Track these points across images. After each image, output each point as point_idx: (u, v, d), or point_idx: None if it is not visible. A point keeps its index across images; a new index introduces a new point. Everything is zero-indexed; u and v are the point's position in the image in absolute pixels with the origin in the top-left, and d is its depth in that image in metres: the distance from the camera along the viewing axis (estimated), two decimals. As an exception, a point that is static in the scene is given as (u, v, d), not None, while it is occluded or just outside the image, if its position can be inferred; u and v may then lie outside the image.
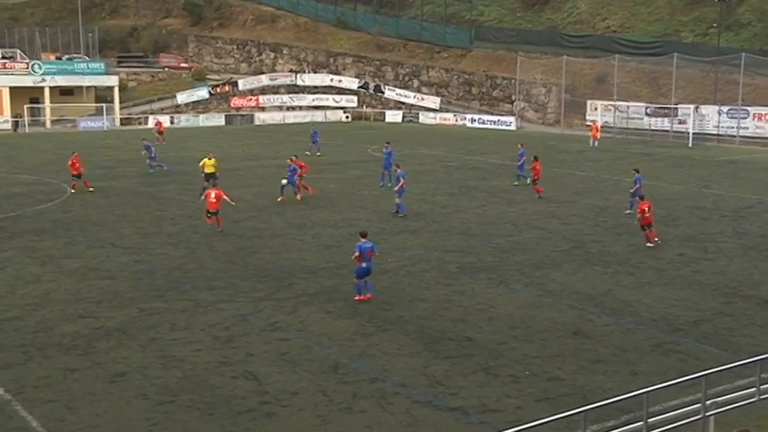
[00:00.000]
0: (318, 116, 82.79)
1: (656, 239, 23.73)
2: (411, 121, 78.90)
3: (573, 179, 38.75)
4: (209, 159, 33.49)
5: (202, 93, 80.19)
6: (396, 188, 28.70)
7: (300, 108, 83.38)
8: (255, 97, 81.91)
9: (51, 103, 72.76)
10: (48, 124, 72.25)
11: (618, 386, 13.18)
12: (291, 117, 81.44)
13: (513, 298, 18.52)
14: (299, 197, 31.57)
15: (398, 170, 29.28)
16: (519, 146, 37.23)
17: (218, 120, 78.33)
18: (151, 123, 74.32)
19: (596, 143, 55.38)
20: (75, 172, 34.03)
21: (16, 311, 17.16)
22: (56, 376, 13.55)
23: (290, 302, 18.03)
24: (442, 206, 30.95)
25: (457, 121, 75.20)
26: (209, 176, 32.75)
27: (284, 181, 31.91)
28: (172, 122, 75.77)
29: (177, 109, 79.12)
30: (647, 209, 23.58)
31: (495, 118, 72.99)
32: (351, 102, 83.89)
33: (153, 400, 12.61)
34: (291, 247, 23.50)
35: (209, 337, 15.61)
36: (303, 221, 27.56)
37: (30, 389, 13.00)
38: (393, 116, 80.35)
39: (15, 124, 70.55)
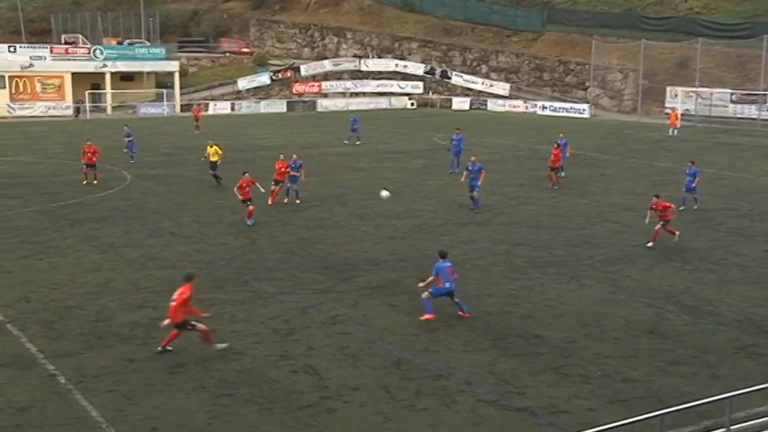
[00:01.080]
0: (383, 103, 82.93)
1: (677, 234, 22.77)
2: (479, 108, 78.38)
3: (650, 170, 37.98)
4: (211, 147, 33.38)
5: (264, 78, 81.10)
6: (479, 182, 27.61)
7: (364, 94, 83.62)
8: (318, 83, 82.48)
9: (112, 89, 74.59)
10: (109, 110, 74.07)
11: (697, 390, 12.90)
12: (355, 103, 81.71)
13: (585, 294, 18.28)
14: (297, 201, 28.94)
15: (476, 162, 27.87)
16: (560, 135, 36.21)
17: (279, 106, 79.14)
18: (211, 109, 75.60)
19: (676, 132, 54.15)
20: (87, 161, 32.94)
21: (76, 300, 17.67)
22: (115, 366, 13.91)
23: (352, 295, 18.13)
24: (511, 197, 30.70)
25: (527, 108, 74.44)
26: (214, 165, 32.97)
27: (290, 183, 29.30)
28: (233, 109, 76.93)
29: (238, 95, 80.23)
30: (661, 208, 22.51)
31: (568, 105, 72.00)
32: (416, 88, 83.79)
33: (212, 393, 12.84)
34: (354, 239, 23.63)
35: (268, 330, 15.81)
36: (366, 212, 27.67)
37: (90, 378, 13.38)
38: (460, 103, 79.94)
39: (77, 110, 72.52)
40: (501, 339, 15.32)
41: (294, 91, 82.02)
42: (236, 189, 25.97)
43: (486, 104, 78.26)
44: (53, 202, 29.35)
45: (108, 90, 74.59)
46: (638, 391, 13.01)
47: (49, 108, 71.90)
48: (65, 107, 72.77)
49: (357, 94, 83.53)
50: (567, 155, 34.61)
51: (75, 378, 13.37)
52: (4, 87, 71.06)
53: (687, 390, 12.98)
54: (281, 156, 29.31)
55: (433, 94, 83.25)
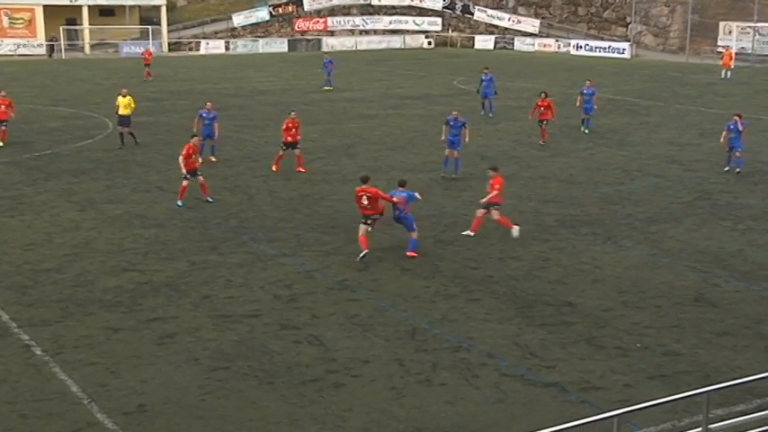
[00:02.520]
0: (396, 41, 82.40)
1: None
2: (505, 47, 77.75)
3: (699, 117, 37.68)
4: (124, 98, 30.10)
5: (262, 14, 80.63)
6: (459, 142, 25.50)
7: (375, 32, 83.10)
8: (323, 19, 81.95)
9: (90, 24, 74.25)
10: (87, 49, 73.91)
11: (749, 364, 12.90)
12: (365, 42, 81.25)
13: (623, 257, 18.25)
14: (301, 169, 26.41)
15: (459, 117, 25.80)
16: (586, 83, 34.39)
17: (279, 45, 78.77)
18: (203, 49, 75.27)
19: (729, 74, 53.60)
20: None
21: (54, 262, 17.77)
22: (97, 336, 14.02)
23: (361, 257, 18.15)
24: (540, 149, 30.55)
25: (559, 47, 73.77)
26: (125, 120, 30.05)
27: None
28: (227, 48, 76.58)
29: (233, 33, 79.87)
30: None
31: (606, 44, 71.31)
32: (434, 25, 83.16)
33: (205, 366, 12.94)
34: (363, 194, 23.58)
35: (268, 296, 15.89)
36: (377, 164, 27.61)
37: (69, 349, 13.49)
38: (483, 42, 79.30)
39: (50, 49, 72.35)
40: (528, 307, 15.35)
41: (296, 28, 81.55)
42: (181, 159, 22.28)
43: (512, 43, 77.59)
44: (25, 152, 29.41)
45: (85, 26, 74.29)
46: (682, 365, 13.02)
47: (19, 46, 71.72)
48: (36, 45, 72.57)
49: (367, 32, 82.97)
50: (595, 106, 33.67)
51: (52, 349, 13.49)
52: (-34, 22, 70.87)
53: (737, 364, 12.99)
54: (292, 113, 26.49)
55: (453, 31, 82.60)
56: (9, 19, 71.65)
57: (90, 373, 12.67)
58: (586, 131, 33.29)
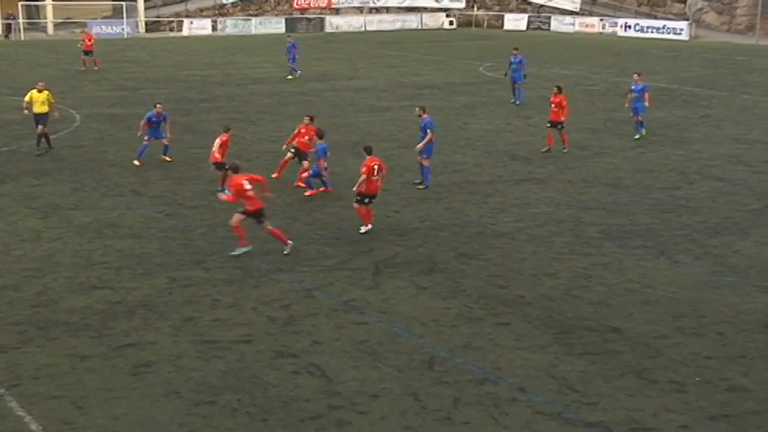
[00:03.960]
0: (412, 21, 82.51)
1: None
2: (539, 28, 77.82)
3: (769, 110, 37.61)
4: (40, 93, 29.05)
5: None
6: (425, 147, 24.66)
7: (387, 10, 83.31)
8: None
9: (54, 0, 74.62)
10: (50, 29, 74.31)
11: (827, 402, 12.85)
12: (375, 22, 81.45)
13: (679, 275, 18.21)
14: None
15: (425, 117, 24.69)
16: (634, 77, 32.38)
17: (275, 25, 79.08)
18: (186, 30, 75.53)
19: (805, 59, 53.49)
20: None
21: (11, 278, 17.83)
22: (62, 365, 14.05)
23: (371, 273, 18.20)
24: (581, 146, 30.54)
25: (604, 27, 73.78)
26: (40, 118, 28.94)
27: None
28: (214, 29, 76.86)
29: (221, 10, 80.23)
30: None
31: (660, 24, 71.29)
32: (457, 2, 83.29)
33: (187, 400, 12.97)
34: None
35: (262, 319, 15.92)
36: (389, 164, 27.50)
37: (28, 380, 13.52)
38: (514, 21, 79.38)
39: (7, 28, 72.80)
40: (566, 333, 15.33)
41: (295, 5, 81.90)
42: (215, 151, 24.18)
43: (548, 23, 77.65)
44: (-22, 150, 29.57)
45: (48, 1, 74.65)
46: (750, 403, 12.98)
47: (-30, 26, 72.11)
48: (-8, 24, 72.94)
49: (378, 10, 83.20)
50: (646, 103, 31.60)
51: (8, 380, 13.51)
52: None
53: (813, 401, 12.94)
54: (306, 119, 25.53)
55: (478, 9, 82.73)
56: (-43, -7, 72.19)
57: (52, 408, 12.70)
58: (637, 137, 31.85)
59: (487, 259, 18.99)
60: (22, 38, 71.30)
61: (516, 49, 40.17)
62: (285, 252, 19.26)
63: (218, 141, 24.29)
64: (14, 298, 16.76)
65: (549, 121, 29.74)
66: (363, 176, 20.40)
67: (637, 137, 31.79)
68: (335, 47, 67.37)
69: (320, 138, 23.50)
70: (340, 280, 17.84)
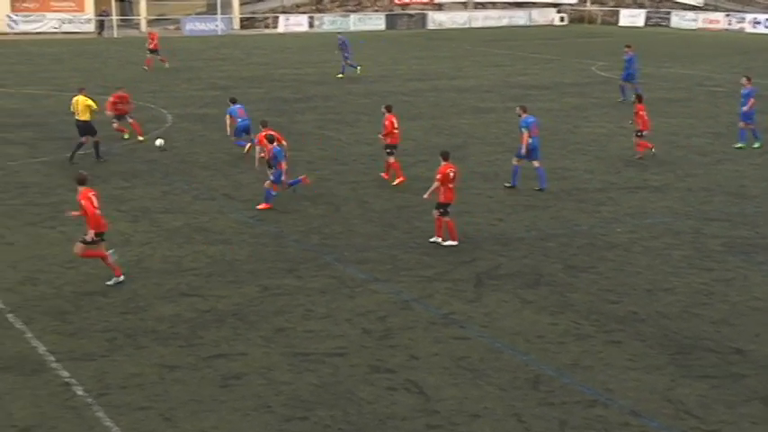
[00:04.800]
0: (520, 17, 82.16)
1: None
2: (658, 24, 76.75)
3: None
4: (84, 98, 28.46)
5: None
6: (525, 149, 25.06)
7: (494, 5, 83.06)
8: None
9: (148, -4, 76.12)
10: (142, 26, 75.90)
11: None
12: (481, 18, 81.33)
13: (809, 293, 17.79)
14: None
15: (525, 114, 25.38)
16: (743, 80, 31.51)
17: (375, 22, 79.48)
18: (282, 26, 76.35)
19: None
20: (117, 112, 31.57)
21: (99, 284, 18.22)
22: (150, 375, 14.32)
23: (472, 285, 18.15)
24: (702, 152, 30.03)
25: (730, 24, 72.45)
26: (85, 127, 28.42)
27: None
28: (311, 26, 77.55)
29: (318, 6, 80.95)
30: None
31: (792, 19, 69.63)
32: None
33: (278, 415, 13.09)
34: (476, 207, 23.58)
35: (356, 331, 15.98)
36: (493, 170, 27.55)
37: (116, 390, 13.81)
38: (630, 17, 78.45)
39: (100, 25, 74.50)
40: (683, 353, 15.08)
41: (397, 0, 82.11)
42: (257, 147, 25.22)
43: (668, 19, 76.51)
44: (68, 150, 30.24)
45: (142, -2, 76.13)
46: None
47: (64, 22, 73.98)
48: (84, 21, 74.75)
49: (484, 5, 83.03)
50: (744, 108, 30.63)
51: (96, 389, 13.82)
52: (3, -9, 73.33)
53: None
54: (384, 109, 26.06)
55: (592, 4, 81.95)
56: (53, -10, 74.10)
57: (140, 419, 12.94)
58: (756, 145, 30.79)
59: (598, 272, 18.77)
60: (115, 35, 72.95)
61: (628, 46, 40.20)
62: (108, 283, 18.04)
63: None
64: (103, 304, 17.14)
65: (637, 130, 29.35)
66: (437, 183, 20.33)
67: (756, 145, 30.86)
68: (438, 44, 67.42)
69: (270, 142, 23.71)
70: (439, 291, 17.82)
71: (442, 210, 20.35)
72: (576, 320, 16.42)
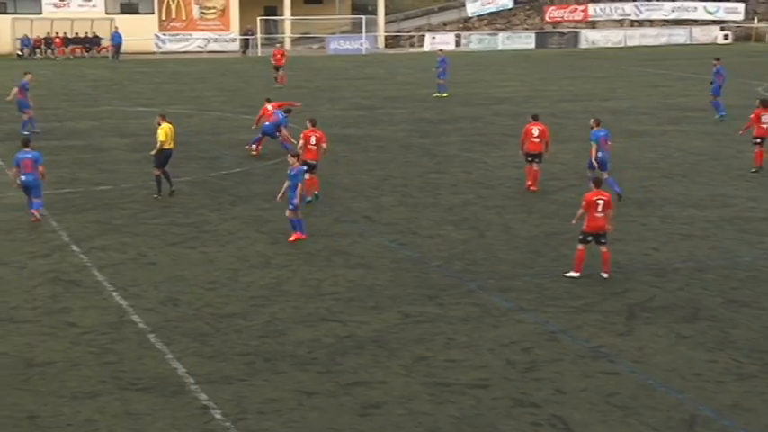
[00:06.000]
0: (679, 35, 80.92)
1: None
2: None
3: None
4: (168, 124, 27.36)
5: (504, 0, 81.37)
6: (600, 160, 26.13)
7: (651, 23, 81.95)
8: (583, 7, 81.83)
9: (293, 14, 77.52)
10: (287, 44, 77.26)
11: None
12: (637, 37, 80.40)
13: None
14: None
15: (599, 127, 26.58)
16: None
17: (525, 41, 79.36)
18: (428, 45, 76.86)
19: None
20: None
21: (239, 306, 18.61)
22: (288, 400, 14.52)
23: (623, 318, 17.90)
24: None
25: None
26: (162, 157, 27.05)
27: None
28: (458, 44, 77.84)
29: (466, 24, 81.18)
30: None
31: None
32: (733, 13, 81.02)
33: (418, 446, 13.12)
34: (629, 235, 23.26)
35: (500, 362, 15.92)
36: (647, 196, 27.14)
37: (254, 415, 14.06)
38: (800, 35, 76.25)
39: (245, 44, 76.13)
40: None
41: (547, 18, 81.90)
42: (300, 145, 26.41)
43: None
44: (211, 170, 30.99)
45: (287, 16, 77.56)
46: None
47: (209, 41, 75.86)
48: (229, 39, 76.51)
49: (641, 23, 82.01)
50: None
51: (234, 413, 14.10)
52: (153, 12, 75.61)
53: None
54: (535, 119, 27.59)
55: (759, 21, 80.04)
56: (200, 8, 76.05)
57: (277, 445, 13.14)
58: None
59: (762, 308, 18.27)
60: (259, 53, 74.39)
61: (717, 59, 40.90)
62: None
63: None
64: (242, 327, 17.48)
65: (754, 138, 30.26)
66: (581, 210, 20.08)
67: None
68: (590, 64, 66.85)
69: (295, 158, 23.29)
70: (588, 323, 17.63)
71: (582, 237, 20.07)
72: (737, 358, 16.02)
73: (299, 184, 22.38)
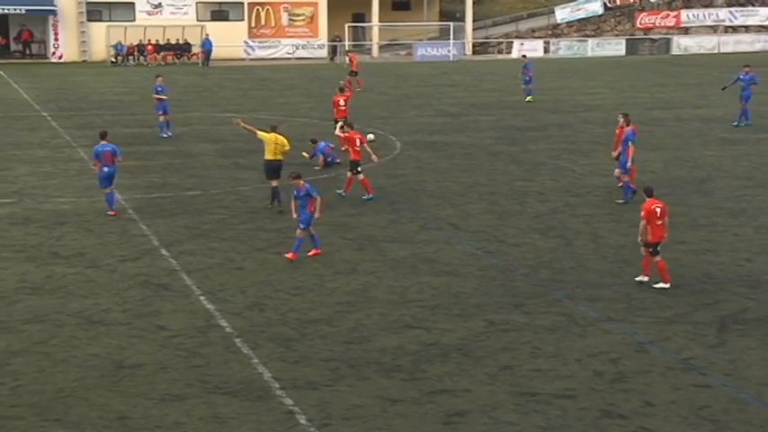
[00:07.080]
0: (773, 42, 79.32)
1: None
2: None
3: None
4: (276, 134, 26.97)
5: (594, 6, 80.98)
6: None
7: (746, 29, 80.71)
8: (675, 12, 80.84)
9: (381, 20, 77.75)
10: (374, 51, 77.56)
11: None
12: (731, 43, 79.19)
13: None
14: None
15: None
16: None
17: (615, 47, 78.63)
18: (516, 52, 76.59)
19: None
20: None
21: (324, 312, 18.72)
22: (372, 407, 14.57)
23: (715, 330, 17.66)
24: None
25: None
26: (273, 169, 26.83)
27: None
28: (546, 51, 77.47)
29: (555, 30, 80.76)
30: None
31: None
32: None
33: (502, 456, 13.07)
34: (721, 245, 22.95)
35: (587, 372, 15.80)
36: (741, 206, 26.73)
37: (338, 420, 14.13)
38: None
39: (333, 51, 76.54)
40: None
41: (638, 24, 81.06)
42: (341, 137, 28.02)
43: None
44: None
45: (375, 23, 77.82)
46: None
47: (297, 48, 76.39)
48: (317, 46, 76.94)
49: (735, 29, 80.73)
50: None
51: (318, 418, 14.18)
52: (242, 19, 76.39)
53: None
54: (623, 119, 27.46)
55: None
56: (289, 15, 76.61)
57: (361, 452, 13.19)
58: None
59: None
60: (347, 60, 74.83)
61: (747, 65, 40.48)
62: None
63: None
64: (327, 333, 17.58)
65: None
66: (643, 221, 19.82)
67: None
68: (683, 71, 66.03)
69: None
70: (678, 334, 17.41)
71: (651, 249, 19.85)
72: (833, 372, 15.71)
73: (317, 201, 22.06)
